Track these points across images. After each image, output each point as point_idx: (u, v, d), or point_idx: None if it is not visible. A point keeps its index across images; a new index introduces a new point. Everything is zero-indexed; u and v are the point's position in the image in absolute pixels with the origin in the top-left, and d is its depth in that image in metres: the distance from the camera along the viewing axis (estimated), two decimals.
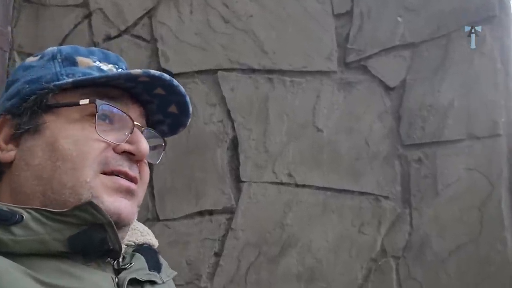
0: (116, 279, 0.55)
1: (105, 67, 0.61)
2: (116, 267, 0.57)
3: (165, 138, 0.67)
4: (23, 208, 0.52)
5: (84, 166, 0.55)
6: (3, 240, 0.50)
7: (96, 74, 0.59)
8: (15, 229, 0.50)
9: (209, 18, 1.55)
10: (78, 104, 0.57)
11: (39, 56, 0.62)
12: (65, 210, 0.53)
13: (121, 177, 0.57)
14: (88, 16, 1.65)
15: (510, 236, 1.27)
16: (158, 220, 1.48)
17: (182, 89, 0.62)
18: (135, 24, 1.61)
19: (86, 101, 0.57)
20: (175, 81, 0.61)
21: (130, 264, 0.58)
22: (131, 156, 0.58)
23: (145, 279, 0.58)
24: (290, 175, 1.43)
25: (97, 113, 0.56)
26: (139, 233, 0.65)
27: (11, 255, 0.50)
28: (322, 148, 1.43)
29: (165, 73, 0.60)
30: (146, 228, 0.68)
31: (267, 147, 1.45)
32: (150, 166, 0.63)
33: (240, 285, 1.40)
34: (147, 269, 0.60)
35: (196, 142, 1.49)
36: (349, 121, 1.43)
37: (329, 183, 1.41)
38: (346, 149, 1.42)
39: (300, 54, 1.49)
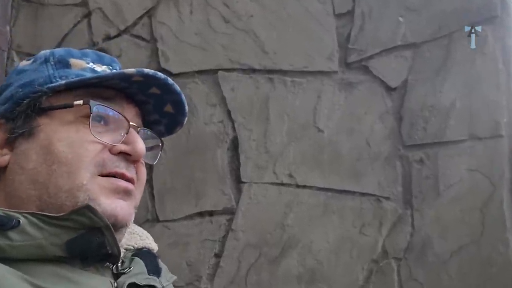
0: (115, 284, 0.54)
1: (99, 68, 0.61)
2: (115, 271, 0.56)
3: (163, 138, 0.67)
4: (19, 213, 0.52)
5: (80, 168, 0.54)
6: (0, 245, 0.49)
7: (90, 75, 0.59)
8: (12, 234, 0.50)
9: (210, 18, 1.54)
10: (71, 106, 0.56)
11: (32, 60, 0.62)
12: (62, 214, 0.52)
13: (118, 178, 0.56)
14: (88, 15, 1.64)
15: (511, 237, 1.26)
16: (158, 221, 1.47)
17: (177, 87, 0.61)
18: (134, 23, 1.60)
19: (79, 102, 0.56)
20: (170, 80, 0.60)
21: (129, 268, 0.58)
22: (127, 157, 0.57)
23: (144, 283, 0.57)
24: (290, 175, 1.43)
25: (91, 114, 0.56)
26: (138, 237, 0.65)
27: (8, 260, 0.49)
28: (323, 149, 1.42)
29: (165, 73, 0.60)
30: (145, 232, 0.67)
31: (268, 147, 1.45)
32: (150, 166, 0.63)
33: (240, 286, 1.39)
34: (147, 273, 0.59)
35: (196, 142, 1.48)
36: (350, 121, 1.42)
37: (330, 184, 1.41)
38: (347, 150, 1.41)
39: (301, 54, 1.48)
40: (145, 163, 0.62)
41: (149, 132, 0.64)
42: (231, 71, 1.51)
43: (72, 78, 0.58)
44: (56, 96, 0.57)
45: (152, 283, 0.58)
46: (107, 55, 0.64)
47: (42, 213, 0.52)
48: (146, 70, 0.57)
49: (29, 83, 0.58)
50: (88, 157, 0.55)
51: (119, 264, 0.57)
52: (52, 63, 0.60)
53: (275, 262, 1.39)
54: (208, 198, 1.45)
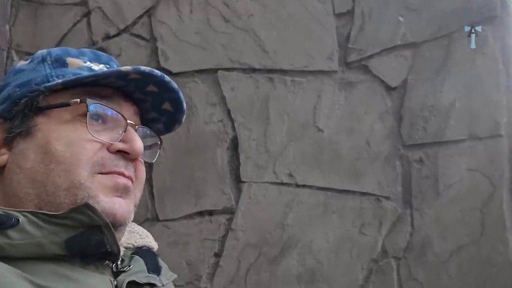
0: (115, 282, 0.54)
1: (96, 67, 0.61)
2: (114, 269, 0.56)
3: (163, 136, 0.67)
4: (18, 211, 0.52)
5: (78, 167, 0.54)
6: None
7: (87, 74, 0.59)
8: (11, 233, 0.50)
9: (209, 17, 1.54)
10: (68, 105, 0.56)
11: (29, 60, 0.62)
12: (61, 212, 0.52)
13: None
14: (87, 14, 1.64)
15: (511, 237, 1.26)
16: (158, 220, 1.47)
17: (174, 85, 0.61)
18: (134, 23, 1.60)
19: (76, 100, 0.56)
20: (167, 77, 0.60)
21: (129, 266, 0.57)
22: (125, 155, 0.57)
23: (144, 281, 0.57)
24: (290, 175, 1.42)
25: (88, 113, 0.56)
26: (138, 235, 0.65)
27: (7, 259, 0.49)
28: (322, 148, 1.42)
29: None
30: (145, 230, 0.67)
31: (268, 147, 1.44)
32: (150, 165, 0.63)
33: (240, 286, 1.39)
34: (146, 271, 0.59)
35: (196, 141, 1.48)
36: (350, 121, 1.42)
37: (329, 184, 1.41)
38: (347, 149, 1.41)
39: (301, 53, 1.48)
40: (144, 162, 0.62)
41: (147, 131, 0.64)
42: (231, 70, 1.51)
43: (69, 77, 0.58)
44: (54, 95, 0.57)
45: (152, 281, 0.58)
46: (104, 53, 0.64)
47: (41, 211, 0.52)
48: (143, 68, 0.57)
49: (26, 82, 0.58)
50: (86, 156, 0.55)
51: (118, 263, 0.57)
52: (49, 62, 0.60)
53: (275, 261, 1.39)
54: (208, 197, 1.45)
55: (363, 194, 1.38)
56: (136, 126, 0.60)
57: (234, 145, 1.47)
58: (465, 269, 1.28)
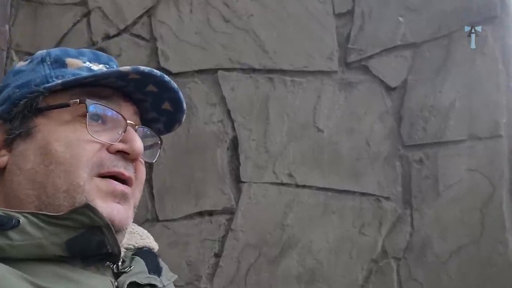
0: (116, 283, 0.54)
1: (96, 67, 0.60)
2: (115, 270, 0.56)
3: (163, 136, 0.66)
4: (19, 213, 0.52)
5: (78, 168, 0.54)
6: (0, 245, 0.49)
7: (86, 74, 0.58)
8: (12, 234, 0.50)
9: (209, 17, 1.54)
10: (68, 105, 0.56)
11: (28, 60, 0.62)
12: (62, 213, 0.52)
13: (116, 179, 0.56)
14: (87, 14, 1.64)
15: (511, 237, 1.26)
16: (158, 220, 1.47)
17: (174, 84, 0.61)
18: (134, 23, 1.60)
19: (76, 101, 0.56)
20: (166, 77, 0.60)
21: (130, 267, 0.57)
22: (125, 156, 0.57)
23: (145, 282, 0.57)
24: (290, 175, 1.42)
25: (87, 113, 0.56)
26: (138, 236, 0.65)
27: (8, 260, 0.49)
28: (322, 149, 1.42)
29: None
30: (145, 231, 0.67)
31: (268, 147, 1.44)
32: (150, 166, 0.63)
33: (240, 286, 1.39)
34: (147, 272, 0.59)
35: (196, 142, 1.48)
36: (350, 121, 1.42)
37: (329, 184, 1.41)
38: (347, 150, 1.41)
39: (301, 53, 1.48)
40: (145, 162, 0.62)
41: (147, 131, 0.63)
42: (231, 70, 1.51)
43: (69, 77, 0.58)
44: (53, 96, 0.57)
45: (153, 282, 0.58)
46: (104, 54, 0.64)
47: (42, 212, 0.52)
48: (142, 68, 0.57)
49: (26, 83, 0.58)
50: (86, 157, 0.55)
51: (119, 264, 0.57)
52: (49, 63, 0.59)
53: (275, 262, 1.39)
54: (207, 197, 1.45)
55: (363, 194, 1.38)
56: (136, 126, 0.60)
57: (234, 145, 1.47)
58: (465, 269, 1.28)
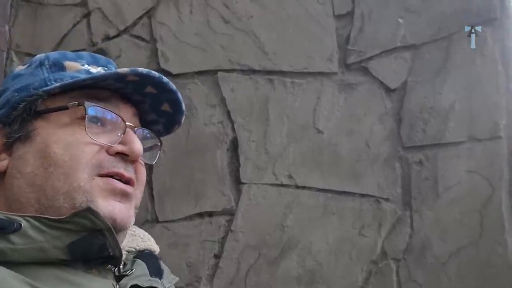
0: (117, 286, 0.54)
1: (94, 70, 0.61)
2: (117, 273, 0.56)
3: (163, 137, 0.66)
4: (21, 216, 0.52)
5: (77, 170, 0.54)
6: (1, 249, 0.49)
7: (85, 77, 0.59)
8: (14, 238, 0.50)
9: (209, 19, 1.54)
10: (67, 108, 0.56)
11: (27, 64, 0.62)
12: (63, 217, 0.52)
13: (117, 179, 0.56)
14: (87, 15, 1.64)
15: (510, 239, 1.26)
16: (158, 221, 1.47)
17: (172, 86, 0.61)
18: (134, 24, 1.60)
19: (74, 104, 0.56)
20: (165, 78, 0.60)
21: (131, 270, 0.57)
22: (125, 157, 0.57)
23: (146, 285, 0.57)
24: (290, 176, 1.43)
25: (86, 116, 0.56)
26: (139, 239, 0.65)
27: (10, 264, 0.49)
28: (322, 150, 1.42)
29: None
30: (146, 234, 0.67)
31: (267, 148, 1.45)
32: (150, 167, 0.63)
33: (239, 287, 1.39)
34: (149, 275, 0.59)
35: (195, 143, 1.48)
36: (349, 122, 1.42)
37: (329, 185, 1.41)
38: (347, 151, 1.41)
39: (301, 55, 1.48)
40: (145, 163, 0.62)
41: (147, 132, 0.63)
42: (231, 72, 1.51)
43: (67, 80, 0.58)
44: (52, 99, 0.57)
45: (154, 285, 0.58)
46: (102, 56, 0.64)
47: (44, 216, 0.52)
48: (140, 69, 0.57)
49: (24, 87, 0.58)
50: (85, 159, 0.55)
51: (121, 266, 0.57)
52: (47, 66, 0.60)
53: (275, 263, 1.39)
54: (207, 199, 1.45)
55: (362, 195, 1.39)
56: (135, 128, 0.60)
57: (234, 146, 1.47)
58: (464, 270, 1.28)
